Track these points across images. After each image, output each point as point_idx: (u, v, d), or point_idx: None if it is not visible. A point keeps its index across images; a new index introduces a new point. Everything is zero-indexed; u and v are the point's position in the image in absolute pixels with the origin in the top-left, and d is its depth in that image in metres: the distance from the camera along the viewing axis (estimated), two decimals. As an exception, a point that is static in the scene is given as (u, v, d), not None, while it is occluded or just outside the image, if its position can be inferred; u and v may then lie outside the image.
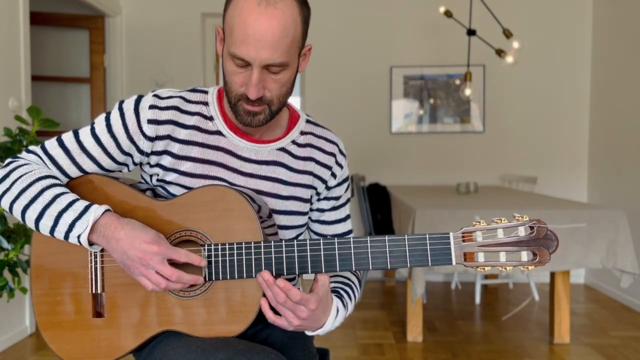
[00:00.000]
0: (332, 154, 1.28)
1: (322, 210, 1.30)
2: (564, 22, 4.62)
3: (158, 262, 1.02)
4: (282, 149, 1.23)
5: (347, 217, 1.35)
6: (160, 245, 1.02)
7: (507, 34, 3.74)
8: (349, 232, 1.35)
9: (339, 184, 1.30)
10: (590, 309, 3.92)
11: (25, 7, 3.19)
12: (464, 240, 1.02)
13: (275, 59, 1.05)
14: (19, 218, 1.11)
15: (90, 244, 1.07)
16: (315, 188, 1.27)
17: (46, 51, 4.44)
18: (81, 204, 1.07)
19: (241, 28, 1.03)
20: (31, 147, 1.18)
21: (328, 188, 1.29)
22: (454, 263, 1.02)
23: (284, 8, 1.04)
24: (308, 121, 1.29)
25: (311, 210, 1.30)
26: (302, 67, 1.17)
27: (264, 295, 1.07)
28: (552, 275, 3.17)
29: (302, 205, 1.25)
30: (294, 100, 5.38)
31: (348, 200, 1.36)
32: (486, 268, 1.01)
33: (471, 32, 3.88)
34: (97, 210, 1.06)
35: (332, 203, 1.31)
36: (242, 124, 1.14)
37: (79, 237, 1.06)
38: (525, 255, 1.00)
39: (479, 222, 1.01)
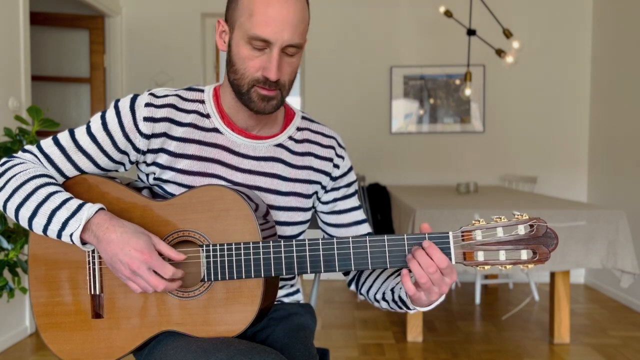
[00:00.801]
0: (331, 147, 1.29)
1: (335, 200, 1.31)
2: (564, 22, 4.62)
3: (145, 272, 1.02)
4: (280, 145, 1.23)
5: (360, 206, 1.36)
6: (151, 255, 1.02)
7: (507, 34, 3.74)
8: (365, 220, 1.35)
9: (344, 174, 1.32)
10: (590, 309, 3.91)
11: (25, 7, 3.19)
12: (463, 240, 1.01)
13: (295, 39, 1.08)
14: (13, 217, 1.10)
15: (84, 242, 1.07)
16: (319, 182, 1.27)
17: (46, 51, 4.44)
18: (75, 202, 1.07)
19: (263, 9, 1.06)
20: (27, 147, 1.17)
21: (334, 179, 1.30)
22: (453, 262, 1.01)
23: None
24: (304, 118, 1.30)
25: (323, 203, 1.31)
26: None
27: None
28: (552, 275, 3.17)
29: (303, 201, 1.25)
30: (295, 100, 5.38)
31: (357, 191, 1.36)
32: (486, 267, 1.01)
33: (471, 32, 3.88)
34: (90, 208, 1.06)
35: (344, 191, 1.32)
36: (254, 111, 1.14)
37: (71, 235, 1.05)
38: (525, 254, 1.00)
39: (479, 221, 1.01)
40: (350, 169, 1.33)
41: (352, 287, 1.35)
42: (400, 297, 1.17)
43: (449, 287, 1.04)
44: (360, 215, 1.34)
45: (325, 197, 1.30)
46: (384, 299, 1.23)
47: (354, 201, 1.34)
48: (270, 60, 1.08)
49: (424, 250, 1.01)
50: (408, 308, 1.17)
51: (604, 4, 4.40)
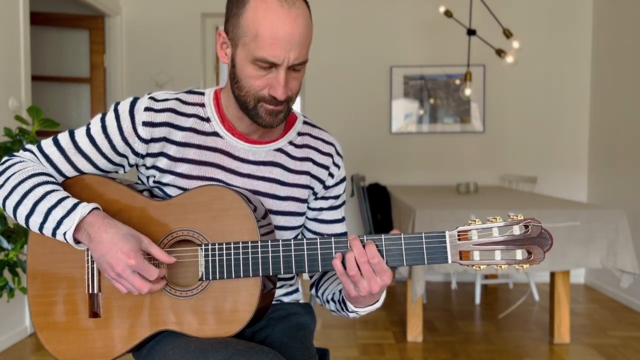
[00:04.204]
0: (329, 155, 1.29)
1: (320, 209, 1.31)
2: (564, 22, 4.62)
3: (129, 275, 1.03)
4: (279, 150, 1.23)
5: (344, 218, 1.36)
6: (136, 259, 1.02)
7: (507, 34, 3.74)
8: (345, 234, 1.35)
9: (337, 184, 1.31)
10: (590, 309, 3.91)
11: (25, 7, 3.19)
12: (459, 239, 1.02)
13: (301, 57, 1.07)
14: (11, 214, 1.11)
15: (77, 242, 1.07)
16: (312, 188, 1.27)
17: (46, 51, 4.44)
18: (70, 202, 1.07)
19: (269, 31, 1.03)
20: (27, 146, 1.18)
21: (326, 187, 1.29)
22: (449, 261, 1.02)
23: (301, 7, 1.06)
24: (305, 122, 1.30)
25: (309, 209, 1.31)
26: None
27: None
28: (552, 275, 3.17)
29: (300, 205, 1.25)
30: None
31: (344, 203, 1.36)
32: (481, 266, 1.01)
33: (471, 32, 3.88)
34: (84, 208, 1.06)
35: (331, 202, 1.32)
36: (262, 126, 1.14)
37: (64, 234, 1.06)
38: (519, 254, 1.01)
39: (475, 221, 1.02)
40: (342, 180, 1.33)
41: (313, 291, 1.36)
42: (342, 299, 1.19)
43: (381, 289, 1.05)
44: (340, 228, 1.34)
45: (313, 204, 1.30)
46: (332, 299, 1.25)
47: (338, 213, 1.33)
48: (278, 80, 1.07)
49: (362, 247, 1.03)
50: (347, 310, 1.18)
51: (604, 4, 4.40)
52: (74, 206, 1.06)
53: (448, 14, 3.87)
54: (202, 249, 1.09)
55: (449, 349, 3.08)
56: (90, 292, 1.13)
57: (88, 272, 1.13)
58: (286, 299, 1.34)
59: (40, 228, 1.08)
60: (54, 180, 1.13)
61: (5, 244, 2.24)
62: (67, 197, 1.09)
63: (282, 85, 1.07)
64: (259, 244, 1.07)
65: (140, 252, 1.04)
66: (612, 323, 3.56)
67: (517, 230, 1.00)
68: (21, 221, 1.11)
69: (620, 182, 4.10)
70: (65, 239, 1.06)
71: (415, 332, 3.20)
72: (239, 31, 1.07)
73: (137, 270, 1.03)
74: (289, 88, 1.10)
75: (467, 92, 3.89)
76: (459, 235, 1.02)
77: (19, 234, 2.32)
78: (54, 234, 1.07)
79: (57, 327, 1.14)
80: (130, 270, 1.02)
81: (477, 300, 4.02)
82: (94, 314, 1.13)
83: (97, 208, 1.08)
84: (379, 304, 1.15)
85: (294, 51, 1.05)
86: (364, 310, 1.15)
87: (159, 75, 4.65)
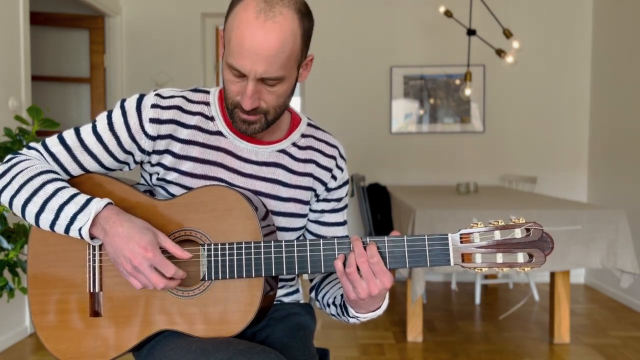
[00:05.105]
0: (333, 157, 1.29)
1: (322, 211, 1.31)
2: (564, 22, 4.62)
3: (147, 269, 1.02)
4: (282, 151, 1.23)
5: (345, 222, 1.35)
6: (154, 252, 1.02)
7: (507, 34, 3.74)
8: (347, 237, 1.35)
9: (339, 187, 1.31)
10: (590, 309, 3.92)
11: (25, 7, 3.19)
12: (461, 242, 1.03)
13: (270, 73, 1.04)
14: (19, 213, 1.10)
15: (92, 237, 1.07)
16: (314, 190, 1.27)
17: (46, 51, 4.44)
18: (82, 197, 1.07)
19: (238, 40, 1.03)
20: (32, 144, 1.17)
21: (328, 190, 1.29)
22: (452, 264, 1.02)
23: (283, 22, 1.03)
24: (309, 124, 1.30)
25: (311, 211, 1.31)
26: (303, 77, 1.16)
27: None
28: (552, 275, 3.17)
29: (302, 207, 1.26)
30: (295, 101, 5.38)
31: (346, 206, 1.36)
32: (483, 269, 1.02)
33: (471, 32, 3.88)
34: (98, 203, 1.06)
35: (333, 205, 1.31)
36: (238, 131, 1.15)
37: (80, 230, 1.05)
38: (521, 257, 1.02)
39: (476, 224, 1.03)
40: (345, 183, 1.33)
41: (313, 294, 1.36)
42: (344, 303, 1.19)
43: (381, 292, 1.04)
44: (342, 231, 1.34)
45: (315, 206, 1.30)
46: (333, 303, 1.24)
47: (340, 216, 1.33)
48: (245, 90, 1.07)
49: (364, 248, 1.03)
50: (348, 315, 1.18)
51: (604, 4, 4.40)
52: (87, 202, 1.06)
53: (448, 14, 3.88)
54: (204, 248, 1.09)
55: (449, 349, 3.08)
56: (92, 291, 1.13)
57: (89, 271, 1.13)
58: (287, 299, 1.34)
59: (52, 225, 1.08)
60: (62, 178, 1.13)
61: (5, 244, 2.24)
62: (78, 193, 1.09)
63: (248, 96, 1.06)
64: (262, 244, 1.07)
65: (157, 245, 1.04)
66: (612, 323, 3.56)
67: (518, 233, 1.01)
68: (30, 219, 1.10)
69: (620, 182, 4.10)
70: (81, 235, 1.06)
71: (415, 332, 3.21)
72: (225, 34, 1.09)
73: (154, 264, 1.02)
74: (263, 100, 1.09)
75: (467, 92, 3.89)
76: (461, 238, 1.02)
77: (19, 234, 2.32)
78: (67, 230, 1.07)
79: (57, 326, 1.14)
80: (148, 264, 1.02)
81: (477, 300, 4.03)
82: (95, 313, 1.13)
83: (110, 203, 1.08)
84: (380, 312, 1.14)
85: (261, 64, 1.03)
86: (365, 317, 1.15)
87: (159, 75, 4.65)
